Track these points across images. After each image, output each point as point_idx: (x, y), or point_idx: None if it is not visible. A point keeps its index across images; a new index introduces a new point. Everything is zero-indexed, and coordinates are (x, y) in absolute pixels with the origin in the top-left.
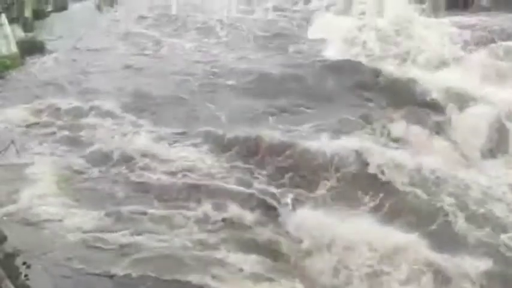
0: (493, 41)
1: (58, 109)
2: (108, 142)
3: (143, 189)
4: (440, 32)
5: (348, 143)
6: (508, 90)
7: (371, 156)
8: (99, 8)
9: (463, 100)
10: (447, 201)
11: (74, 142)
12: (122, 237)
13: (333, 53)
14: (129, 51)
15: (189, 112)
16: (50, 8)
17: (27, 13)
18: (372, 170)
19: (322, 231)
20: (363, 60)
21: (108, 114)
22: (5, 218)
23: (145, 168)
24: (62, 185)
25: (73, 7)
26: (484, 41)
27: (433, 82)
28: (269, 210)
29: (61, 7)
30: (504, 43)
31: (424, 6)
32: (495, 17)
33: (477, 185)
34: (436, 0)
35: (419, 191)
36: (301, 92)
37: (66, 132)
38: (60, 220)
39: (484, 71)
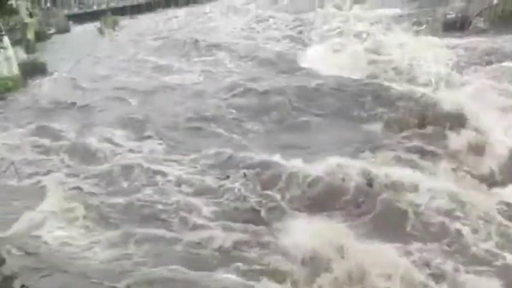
0: (491, 62)
1: (59, 132)
2: (114, 167)
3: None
4: (440, 53)
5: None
6: None
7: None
8: (100, 31)
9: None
10: None
11: (75, 165)
12: (125, 263)
13: (344, 75)
14: (130, 77)
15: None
16: (52, 31)
17: (30, 35)
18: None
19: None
20: (375, 81)
21: (113, 140)
22: (4, 240)
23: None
24: (66, 209)
25: (75, 29)
26: (483, 62)
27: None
28: None
29: (63, 29)
30: (505, 64)
31: (422, 28)
32: (492, 38)
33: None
34: (434, 22)
35: None
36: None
37: (67, 155)
38: (62, 244)
39: (485, 94)
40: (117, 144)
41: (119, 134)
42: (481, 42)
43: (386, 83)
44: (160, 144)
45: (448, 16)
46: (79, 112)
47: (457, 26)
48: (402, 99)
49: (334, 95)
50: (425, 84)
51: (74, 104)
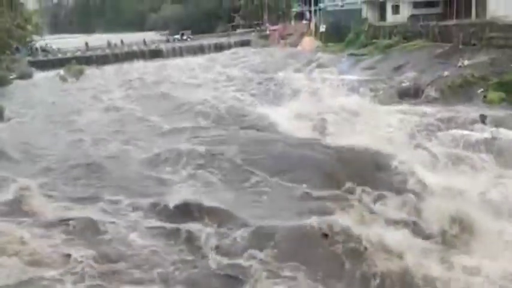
0: (441, 129)
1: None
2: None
3: None
4: (394, 118)
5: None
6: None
7: None
8: (63, 78)
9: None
10: None
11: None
12: None
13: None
14: (88, 125)
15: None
16: (13, 76)
17: None
18: None
19: None
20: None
21: (57, 191)
22: None
23: None
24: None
25: (37, 76)
26: (434, 128)
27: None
28: None
29: (25, 75)
30: (452, 131)
31: (379, 93)
32: (442, 107)
33: None
34: (389, 89)
35: None
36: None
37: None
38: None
39: (434, 158)
40: (62, 198)
41: (65, 187)
42: (432, 110)
43: (339, 144)
44: (105, 199)
45: (403, 84)
46: (30, 160)
47: (411, 93)
48: (351, 160)
49: (284, 155)
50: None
51: (26, 151)
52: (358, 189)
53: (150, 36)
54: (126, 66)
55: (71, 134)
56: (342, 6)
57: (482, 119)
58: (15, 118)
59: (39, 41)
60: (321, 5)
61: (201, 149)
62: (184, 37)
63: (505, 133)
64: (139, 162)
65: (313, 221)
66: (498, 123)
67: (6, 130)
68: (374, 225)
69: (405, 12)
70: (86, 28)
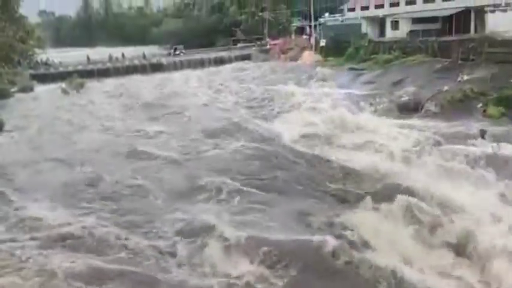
0: (441, 144)
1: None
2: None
3: None
4: (394, 132)
5: None
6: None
7: None
8: (64, 91)
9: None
10: None
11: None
12: None
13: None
14: (89, 141)
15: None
16: (15, 89)
17: None
18: None
19: None
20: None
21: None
22: None
23: None
24: None
25: (39, 89)
26: (434, 143)
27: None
28: None
29: (27, 88)
30: (451, 146)
31: (379, 107)
32: (443, 122)
33: None
34: (389, 104)
35: None
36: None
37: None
38: None
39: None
40: (54, 214)
41: (56, 204)
42: (433, 125)
43: (341, 158)
44: (98, 210)
45: (402, 99)
46: (26, 173)
47: (410, 108)
48: (354, 174)
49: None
50: (380, 160)
51: (23, 165)
52: None
53: (151, 50)
54: (127, 79)
55: (72, 153)
56: (342, 21)
57: (482, 134)
58: (16, 132)
59: (41, 55)
60: (321, 20)
61: (228, 181)
62: (177, 52)
63: (505, 148)
64: (159, 196)
65: None
66: (498, 138)
67: (6, 144)
68: None
69: (404, 27)
70: (88, 42)
